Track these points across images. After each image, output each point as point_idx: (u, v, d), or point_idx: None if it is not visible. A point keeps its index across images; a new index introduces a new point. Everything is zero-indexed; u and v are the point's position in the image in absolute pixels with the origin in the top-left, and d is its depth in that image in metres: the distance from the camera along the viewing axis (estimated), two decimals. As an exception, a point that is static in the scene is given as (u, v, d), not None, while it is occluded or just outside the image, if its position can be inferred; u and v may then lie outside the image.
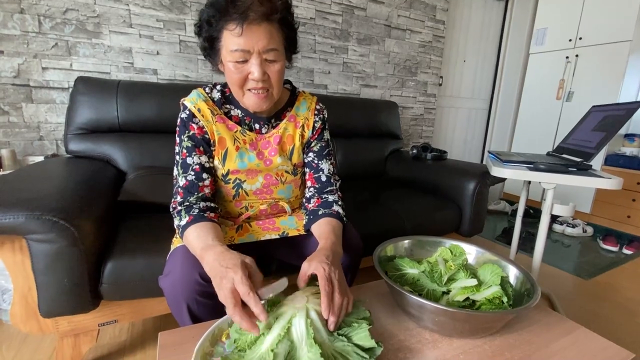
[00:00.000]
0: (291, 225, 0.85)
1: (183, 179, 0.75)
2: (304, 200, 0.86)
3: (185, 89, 1.46)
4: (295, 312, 0.49)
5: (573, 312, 1.41)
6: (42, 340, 1.12)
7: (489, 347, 0.64)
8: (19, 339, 1.12)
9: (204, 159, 0.77)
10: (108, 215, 1.00)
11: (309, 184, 0.86)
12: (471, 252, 0.83)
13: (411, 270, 0.75)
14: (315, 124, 0.86)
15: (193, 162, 0.75)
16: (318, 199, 0.82)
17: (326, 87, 2.11)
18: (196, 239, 0.66)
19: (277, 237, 0.82)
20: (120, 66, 1.56)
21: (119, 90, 1.34)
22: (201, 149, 0.77)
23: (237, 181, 0.80)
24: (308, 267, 0.58)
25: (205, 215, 0.71)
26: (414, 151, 1.86)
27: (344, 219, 0.80)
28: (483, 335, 0.66)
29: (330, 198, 0.82)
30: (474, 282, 0.70)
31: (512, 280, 0.74)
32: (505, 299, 0.67)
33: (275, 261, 0.99)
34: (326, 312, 0.54)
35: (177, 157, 0.77)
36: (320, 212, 0.78)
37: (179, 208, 0.73)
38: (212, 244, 0.63)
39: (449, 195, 1.55)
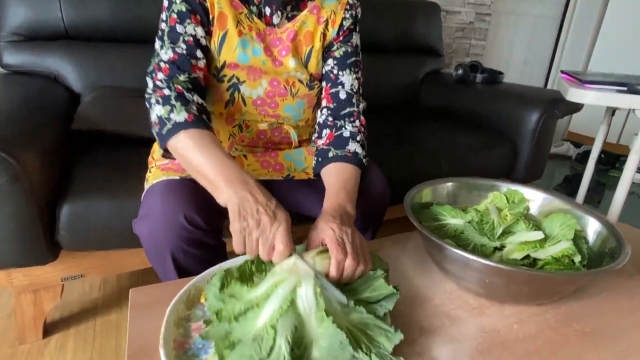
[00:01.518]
0: (298, 163, 0.83)
1: (169, 50, 0.68)
2: (316, 128, 0.82)
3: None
4: (299, 280, 0.48)
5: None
6: (-1, 296, 1.17)
7: (552, 316, 0.62)
8: (-29, 294, 1.17)
9: (199, 31, 0.70)
10: (60, 146, 0.98)
11: (323, 103, 0.82)
12: (535, 199, 0.79)
13: (454, 220, 0.73)
14: (344, 22, 0.80)
15: (185, 32, 0.69)
16: (331, 132, 0.78)
17: (343, -20, 1.90)
18: (207, 149, 0.61)
19: (281, 179, 0.80)
20: (61, -54, 1.39)
21: (60, -23, 1.22)
22: (198, 17, 0.70)
23: (235, 81, 0.75)
24: (316, 235, 0.57)
25: (206, 120, 0.66)
26: (459, 72, 1.76)
27: (364, 160, 0.76)
28: (545, 301, 0.64)
29: (347, 131, 0.77)
30: (539, 235, 0.66)
31: (590, 236, 0.70)
32: (577, 258, 0.63)
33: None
34: (335, 278, 0.53)
35: (163, 26, 0.70)
36: (330, 155, 0.75)
37: (167, 93, 0.65)
38: (238, 165, 0.61)
39: (502, 130, 1.52)
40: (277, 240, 0.53)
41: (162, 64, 0.68)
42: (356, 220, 0.78)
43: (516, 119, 1.47)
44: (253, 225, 0.53)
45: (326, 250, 0.55)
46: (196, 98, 0.68)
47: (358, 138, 0.77)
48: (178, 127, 0.63)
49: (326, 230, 0.56)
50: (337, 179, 0.70)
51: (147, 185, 0.75)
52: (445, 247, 0.60)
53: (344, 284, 0.55)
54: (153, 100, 0.66)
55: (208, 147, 0.62)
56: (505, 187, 0.81)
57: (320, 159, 0.76)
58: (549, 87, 3.03)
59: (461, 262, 0.61)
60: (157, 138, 0.67)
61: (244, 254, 0.55)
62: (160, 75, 0.67)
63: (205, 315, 0.54)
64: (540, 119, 1.42)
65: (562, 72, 1.38)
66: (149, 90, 0.68)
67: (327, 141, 0.78)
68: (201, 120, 0.65)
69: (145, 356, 0.48)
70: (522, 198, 0.78)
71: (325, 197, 0.67)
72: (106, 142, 1.10)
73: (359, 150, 0.76)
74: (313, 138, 0.84)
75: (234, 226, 0.53)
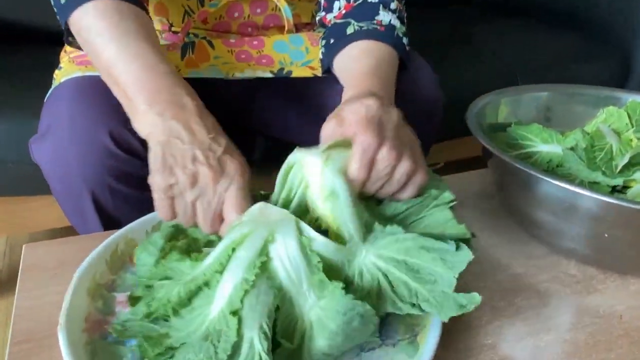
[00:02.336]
0: (298, 55, 0.79)
1: None
2: (320, 2, 0.78)
3: None
4: (271, 232, 0.45)
5: None
6: None
7: None
8: None
9: None
10: None
11: None
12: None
13: (546, 146, 0.71)
14: None
15: None
16: (347, 2, 0.75)
17: None
18: (127, 35, 0.57)
19: (270, 76, 0.77)
20: None
21: None
22: None
23: None
24: (339, 121, 0.51)
25: None
26: (543, -56, 1.74)
27: (405, 41, 0.72)
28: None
29: None
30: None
31: None
32: None
33: (260, 138, 0.98)
34: (358, 175, 0.47)
35: None
36: (349, 31, 0.71)
37: None
38: (172, 70, 0.56)
39: (608, 31, 1.51)
40: (226, 205, 0.49)
41: None
42: None
43: (629, 14, 1.43)
44: (185, 182, 0.48)
45: (348, 144, 0.49)
46: None
47: (392, 6, 0.72)
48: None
49: (357, 106, 0.49)
50: (363, 63, 0.66)
51: (54, 85, 0.72)
52: (539, 179, 0.56)
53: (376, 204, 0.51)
54: None
55: (130, 32, 0.57)
56: (628, 98, 0.77)
57: (332, 41, 0.72)
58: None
59: (564, 203, 0.57)
60: (55, 10, 0.62)
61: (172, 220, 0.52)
62: None
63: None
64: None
65: None
66: None
67: (343, 13, 0.73)
68: None
69: (38, 345, 0.45)
70: (656, 113, 0.75)
71: (344, 90, 0.63)
72: (3, 37, 1.09)
73: (396, 23, 0.71)
74: (318, 18, 0.79)
75: (155, 180, 0.49)
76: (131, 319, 0.45)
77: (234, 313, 0.41)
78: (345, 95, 0.61)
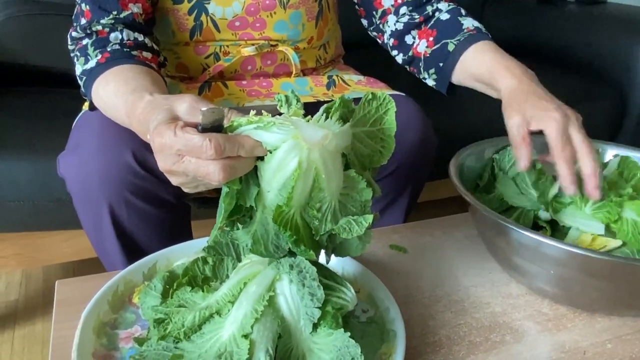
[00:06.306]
0: (302, 93, 0.85)
1: None
2: (388, 43, 0.84)
3: None
4: (278, 272, 0.49)
5: None
6: None
7: (664, 333, 0.62)
8: None
9: None
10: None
11: (387, 2, 0.83)
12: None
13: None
14: None
15: None
16: (421, 28, 0.81)
17: None
18: (118, 90, 0.62)
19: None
20: None
21: None
22: None
23: None
24: (520, 120, 0.62)
25: (134, 53, 0.68)
26: (542, -12, 1.74)
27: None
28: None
29: (444, 13, 0.80)
30: (599, 230, 0.65)
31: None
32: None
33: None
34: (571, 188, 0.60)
35: None
36: (450, 48, 0.76)
37: (84, 42, 0.68)
38: (142, 93, 0.57)
39: (604, 73, 1.53)
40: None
41: (83, 5, 0.70)
42: (389, 174, 0.80)
43: (626, 57, 1.46)
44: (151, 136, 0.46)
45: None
46: (127, 34, 0.69)
47: (463, 12, 0.79)
48: (91, 76, 0.65)
49: (548, 122, 0.61)
50: (490, 56, 0.72)
51: (82, 112, 0.77)
52: (513, 229, 0.60)
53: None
54: (75, 59, 0.70)
55: (123, 85, 0.61)
56: (612, 151, 0.84)
57: (440, 64, 0.77)
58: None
59: (532, 249, 0.61)
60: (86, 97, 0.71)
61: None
62: (82, 21, 0.70)
63: (140, 320, 0.56)
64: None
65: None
66: (70, 47, 0.72)
67: (431, 38, 0.78)
68: (124, 55, 0.66)
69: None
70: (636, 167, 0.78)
71: (495, 79, 0.69)
72: (27, 80, 1.11)
73: (479, 25, 0.78)
74: (394, 54, 0.85)
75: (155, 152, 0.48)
76: (147, 350, 0.47)
77: (245, 336, 0.45)
78: (503, 84, 0.69)
